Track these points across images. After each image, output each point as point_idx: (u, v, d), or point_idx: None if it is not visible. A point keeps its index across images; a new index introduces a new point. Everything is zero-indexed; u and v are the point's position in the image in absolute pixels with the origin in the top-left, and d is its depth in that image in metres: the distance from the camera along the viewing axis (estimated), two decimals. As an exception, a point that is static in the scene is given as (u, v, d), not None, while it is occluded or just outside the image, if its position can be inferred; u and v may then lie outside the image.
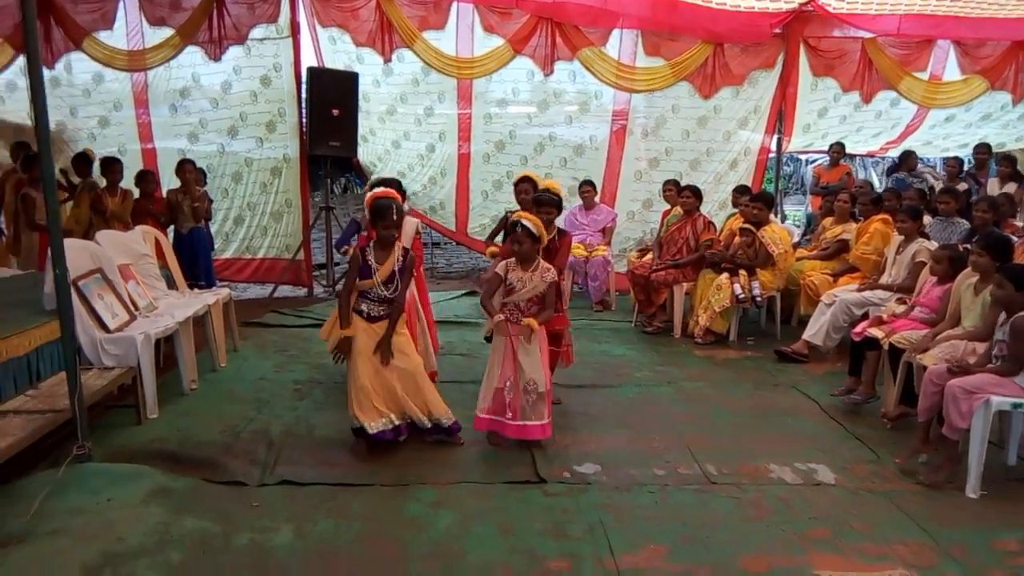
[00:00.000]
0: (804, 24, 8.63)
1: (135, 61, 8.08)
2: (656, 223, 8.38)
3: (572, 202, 8.64)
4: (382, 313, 4.15)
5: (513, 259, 4.23)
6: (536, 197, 4.81)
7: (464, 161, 9.09)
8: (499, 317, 4.16)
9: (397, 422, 4.16)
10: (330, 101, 7.94)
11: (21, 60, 7.89)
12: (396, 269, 4.12)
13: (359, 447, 4.19)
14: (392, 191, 4.36)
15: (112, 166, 7.34)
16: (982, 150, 8.73)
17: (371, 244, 4.16)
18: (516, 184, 5.24)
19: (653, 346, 6.62)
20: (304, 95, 8.22)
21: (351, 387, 4.11)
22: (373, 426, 4.07)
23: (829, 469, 4.09)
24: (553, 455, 4.22)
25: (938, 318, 4.72)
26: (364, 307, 4.16)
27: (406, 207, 4.67)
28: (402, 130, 9.21)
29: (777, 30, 8.59)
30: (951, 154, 9.19)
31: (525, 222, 4.13)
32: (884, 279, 5.87)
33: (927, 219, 6.31)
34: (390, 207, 4.09)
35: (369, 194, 4.33)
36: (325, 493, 3.73)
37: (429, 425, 4.23)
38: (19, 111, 8.36)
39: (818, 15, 8.44)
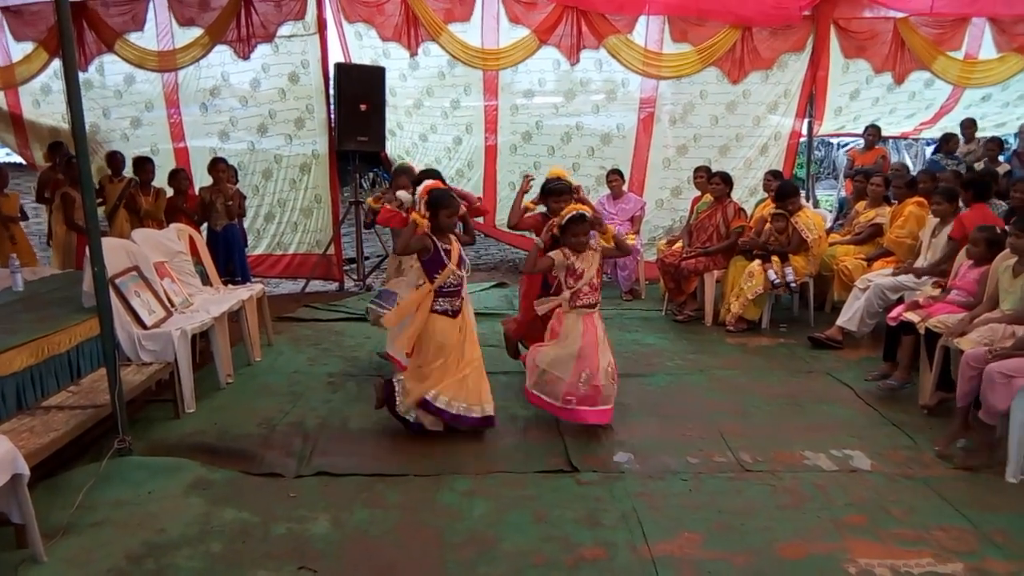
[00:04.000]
0: (834, 6, 8.49)
1: (165, 62, 8.19)
2: (685, 211, 8.32)
3: (600, 191, 8.62)
4: (460, 306, 4.26)
5: (568, 249, 4.32)
6: (551, 187, 4.80)
7: (491, 153, 9.09)
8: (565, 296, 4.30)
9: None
10: (358, 96, 7.98)
11: (55, 64, 8.06)
12: (461, 251, 4.25)
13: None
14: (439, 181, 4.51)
15: (144, 165, 7.47)
16: None
17: (435, 232, 4.18)
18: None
19: (684, 335, 6.59)
20: (332, 91, 8.27)
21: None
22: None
23: (865, 455, 4.05)
24: (585, 444, 4.23)
25: (975, 301, 4.64)
26: (444, 305, 4.20)
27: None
28: (429, 123, 9.23)
29: (806, 12, 8.45)
30: (988, 134, 8.98)
31: (584, 213, 4.27)
32: (919, 263, 5.77)
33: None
34: (450, 195, 4.23)
35: (422, 188, 4.30)
36: (361, 484, 3.77)
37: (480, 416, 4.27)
38: (54, 113, 8.56)
39: (848, -4, 8.33)
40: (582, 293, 4.33)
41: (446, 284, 4.16)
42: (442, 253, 4.15)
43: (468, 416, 4.21)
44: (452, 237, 4.25)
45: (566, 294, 4.32)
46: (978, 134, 8.93)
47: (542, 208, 5.01)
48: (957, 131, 9.05)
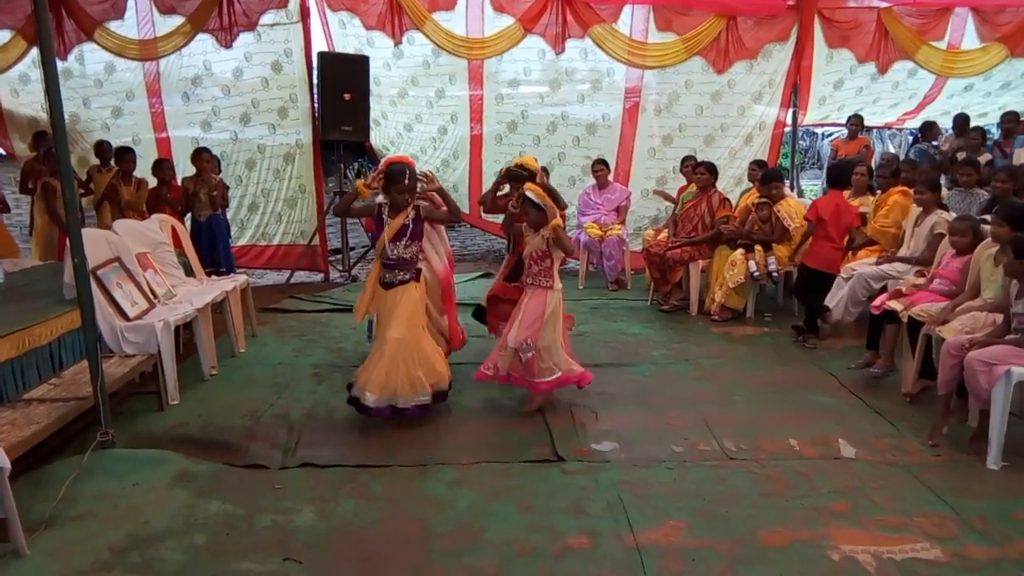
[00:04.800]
0: (818, -5, 8.52)
1: (146, 50, 8.10)
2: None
3: (585, 181, 8.62)
4: (395, 280, 4.31)
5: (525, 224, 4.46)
6: (511, 173, 4.96)
7: (476, 143, 9.07)
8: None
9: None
10: (341, 86, 7.93)
11: (34, 52, 7.96)
12: (406, 223, 4.25)
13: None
14: (407, 157, 4.57)
15: (125, 155, 7.40)
16: (1010, 119, 8.31)
17: (387, 206, 4.27)
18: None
19: (669, 324, 6.61)
20: (315, 80, 8.21)
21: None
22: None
23: (848, 443, 4.08)
24: (571, 433, 4.23)
25: (958, 290, 4.68)
26: (385, 276, 4.33)
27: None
28: (414, 113, 9.19)
29: (791, 2, 8.49)
30: (971, 124, 9.03)
31: (528, 194, 4.35)
32: (903, 252, 5.80)
33: (945, 191, 6.23)
34: (403, 171, 4.24)
35: (383, 160, 4.47)
36: (346, 474, 3.76)
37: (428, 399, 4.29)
38: (33, 103, 8.45)
39: (832, -14, 8.35)
40: (526, 267, 4.50)
41: (385, 255, 4.28)
42: (384, 223, 4.26)
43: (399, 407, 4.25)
44: (407, 213, 4.26)
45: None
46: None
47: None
48: (938, 120, 9.11)
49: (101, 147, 7.56)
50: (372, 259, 8.74)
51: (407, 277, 4.33)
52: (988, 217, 5.00)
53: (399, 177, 4.21)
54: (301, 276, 8.73)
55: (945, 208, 5.73)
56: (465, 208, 9.26)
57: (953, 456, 3.93)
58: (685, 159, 7.91)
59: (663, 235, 7.37)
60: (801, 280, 6.07)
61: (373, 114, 8.44)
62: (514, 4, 8.40)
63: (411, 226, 4.27)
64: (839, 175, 6.23)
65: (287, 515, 3.38)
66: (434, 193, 4.60)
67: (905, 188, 6.19)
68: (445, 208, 4.58)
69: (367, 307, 4.42)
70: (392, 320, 4.24)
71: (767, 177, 6.78)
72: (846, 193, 7.04)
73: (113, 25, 8.03)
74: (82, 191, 7.32)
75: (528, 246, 4.43)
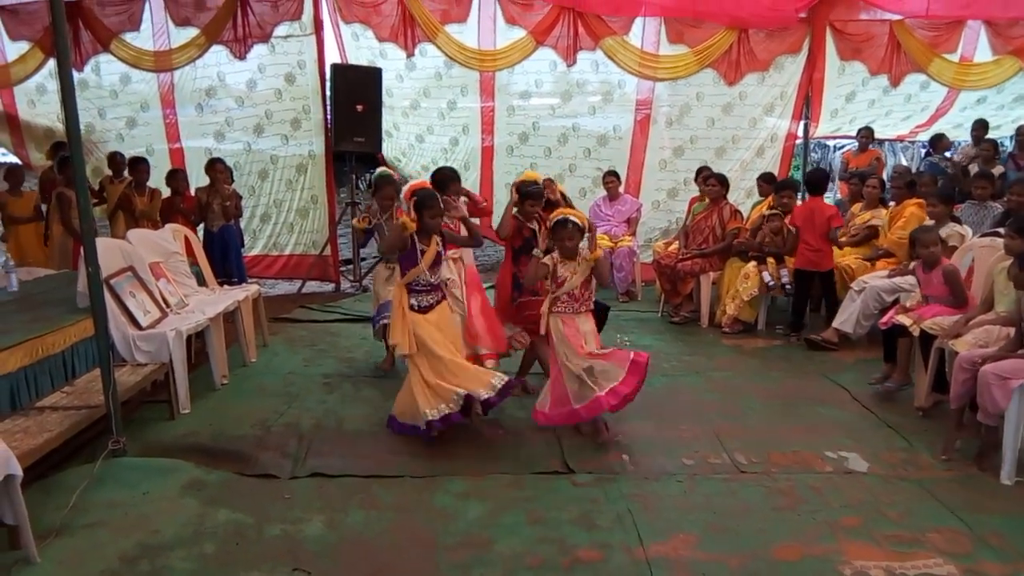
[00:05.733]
0: (830, 8, 8.50)
1: (161, 61, 8.19)
2: (682, 212, 8.33)
3: (596, 193, 8.63)
4: (432, 302, 4.26)
5: (557, 253, 4.27)
6: (526, 191, 4.75)
7: (488, 154, 9.09)
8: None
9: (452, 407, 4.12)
10: (354, 97, 7.98)
11: (51, 63, 8.05)
12: (439, 251, 4.24)
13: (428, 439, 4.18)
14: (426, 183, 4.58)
15: (139, 166, 7.45)
16: None
17: (417, 232, 4.19)
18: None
19: (680, 336, 6.59)
20: (328, 92, 8.27)
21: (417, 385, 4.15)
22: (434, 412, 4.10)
23: (860, 457, 4.05)
24: (581, 446, 4.22)
25: (954, 301, 4.68)
26: (414, 301, 4.23)
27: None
28: (425, 124, 9.23)
29: (802, 14, 8.48)
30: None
31: (572, 218, 4.21)
32: (915, 264, 5.77)
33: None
34: (434, 196, 4.25)
35: (406, 188, 4.38)
36: (355, 485, 3.76)
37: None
38: (49, 114, 8.55)
39: (844, -2, 8.34)
40: (561, 301, 4.27)
41: (415, 282, 4.21)
42: (417, 252, 4.17)
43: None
44: (436, 239, 4.24)
45: (546, 302, 4.30)
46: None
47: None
48: (950, 133, 9.07)
49: (114, 159, 7.63)
50: (375, 275, 8.76)
51: (441, 297, 4.35)
52: (1001, 230, 4.97)
53: (432, 202, 4.19)
54: (312, 286, 8.75)
55: (958, 221, 5.71)
56: (475, 219, 9.28)
57: (966, 471, 3.89)
58: (700, 170, 7.90)
59: (674, 247, 7.35)
60: (795, 283, 6.44)
61: (385, 125, 8.48)
62: (526, 16, 8.44)
63: (441, 251, 4.30)
64: (815, 182, 6.67)
65: (297, 525, 3.38)
66: (459, 220, 4.59)
67: (920, 200, 6.16)
68: (466, 234, 4.58)
69: (409, 335, 4.18)
70: (446, 340, 4.23)
71: (782, 185, 6.89)
72: (857, 206, 7.06)
73: (129, 36, 8.14)
74: (95, 201, 7.38)
75: (575, 276, 4.21)
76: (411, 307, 4.22)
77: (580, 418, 4.19)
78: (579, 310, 4.29)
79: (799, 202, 6.90)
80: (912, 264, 5.30)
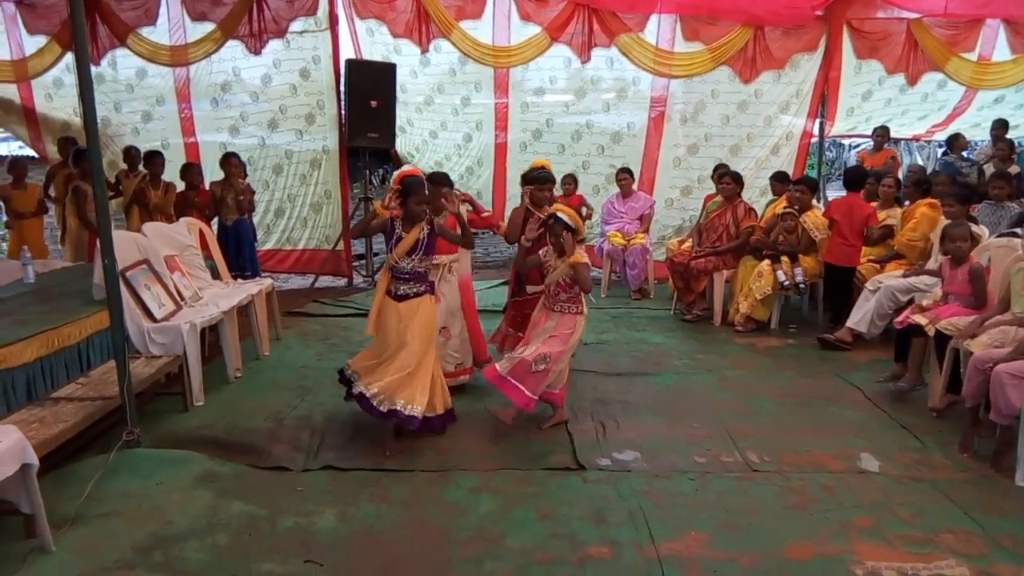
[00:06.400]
0: (847, 6, 8.43)
1: (177, 56, 8.21)
2: (695, 210, 8.30)
3: (609, 190, 8.61)
4: (410, 292, 4.16)
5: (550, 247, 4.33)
6: (532, 176, 4.83)
7: (501, 150, 9.08)
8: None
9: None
10: (368, 92, 7.98)
11: (67, 57, 8.11)
12: (420, 239, 4.13)
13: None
14: (417, 170, 4.49)
15: (154, 159, 7.49)
16: None
17: (400, 218, 4.17)
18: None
19: (693, 334, 6.57)
20: (343, 87, 8.28)
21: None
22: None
23: (873, 457, 4.04)
24: (592, 442, 4.22)
25: (974, 302, 4.63)
26: (392, 287, 4.20)
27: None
28: (439, 120, 9.23)
29: (819, 12, 8.41)
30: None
31: (561, 215, 4.25)
32: (930, 264, 5.74)
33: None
34: (421, 182, 4.20)
35: (396, 174, 4.33)
36: (367, 478, 3.78)
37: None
38: (66, 107, 8.60)
39: (861, -4, 8.29)
40: (547, 292, 4.40)
41: (397, 268, 4.15)
42: (394, 238, 4.15)
43: (399, 412, 4.01)
44: (421, 227, 4.15)
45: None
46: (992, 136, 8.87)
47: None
48: (967, 133, 9.00)
49: (129, 153, 7.67)
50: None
51: (421, 290, 4.21)
52: (1019, 231, 4.93)
53: (418, 187, 4.14)
54: (325, 281, 8.78)
55: (975, 221, 5.66)
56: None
57: (980, 472, 3.87)
58: (717, 167, 7.87)
59: (687, 244, 7.33)
60: (824, 276, 6.53)
61: (399, 121, 8.49)
62: (541, 13, 8.42)
63: (425, 240, 4.15)
64: (854, 179, 6.63)
65: (309, 517, 3.40)
66: (453, 215, 4.51)
67: (933, 200, 6.12)
68: (459, 231, 4.48)
69: (373, 317, 4.23)
70: (408, 331, 4.10)
71: (798, 180, 6.92)
72: (875, 204, 7.01)
73: (145, 31, 8.16)
74: (111, 194, 7.43)
75: (554, 273, 4.30)
76: (388, 292, 4.19)
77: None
78: (551, 307, 4.38)
79: (815, 200, 6.86)
80: (940, 259, 5.27)
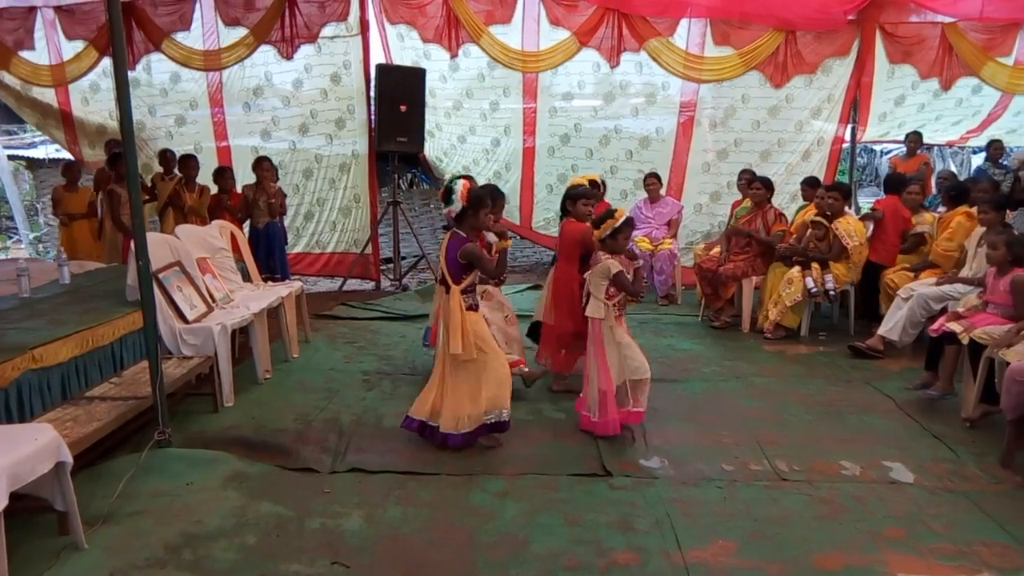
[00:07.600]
0: (880, 10, 8.33)
1: (211, 61, 8.34)
2: (724, 216, 8.25)
3: (637, 195, 8.59)
4: (472, 304, 4.16)
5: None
6: (574, 193, 4.95)
7: (529, 155, 9.10)
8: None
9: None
10: (398, 97, 8.04)
11: (104, 62, 8.26)
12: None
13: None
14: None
15: (189, 162, 7.61)
16: None
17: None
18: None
19: (720, 341, 6.52)
20: (372, 92, 8.35)
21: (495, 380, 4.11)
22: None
23: (905, 467, 3.97)
24: (619, 449, 4.20)
25: (1015, 312, 4.53)
26: (469, 301, 4.14)
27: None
28: (468, 125, 9.27)
29: (851, 16, 8.32)
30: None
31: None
32: (964, 272, 5.65)
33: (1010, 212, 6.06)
34: (494, 191, 4.39)
35: (461, 187, 4.11)
36: (394, 481, 3.79)
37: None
38: (101, 111, 8.77)
39: (895, 0, 8.17)
40: (619, 305, 4.40)
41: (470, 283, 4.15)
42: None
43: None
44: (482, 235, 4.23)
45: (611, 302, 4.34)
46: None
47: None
48: (1003, 139, 8.84)
49: (165, 156, 7.80)
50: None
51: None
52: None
53: (486, 200, 4.13)
54: (353, 284, 8.84)
55: (1009, 228, 5.55)
56: (515, 220, 9.30)
57: (1015, 484, 3.79)
58: (742, 172, 7.81)
59: (715, 250, 7.28)
60: (863, 278, 6.60)
61: (428, 125, 8.54)
62: (570, 18, 8.42)
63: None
64: (896, 183, 6.96)
65: (336, 519, 3.42)
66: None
67: (969, 210, 6.01)
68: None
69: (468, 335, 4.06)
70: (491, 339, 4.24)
71: (833, 186, 6.86)
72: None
73: (180, 36, 8.30)
74: (146, 197, 7.55)
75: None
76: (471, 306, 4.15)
77: None
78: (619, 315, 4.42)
79: (847, 207, 6.78)
80: (975, 268, 5.19)
